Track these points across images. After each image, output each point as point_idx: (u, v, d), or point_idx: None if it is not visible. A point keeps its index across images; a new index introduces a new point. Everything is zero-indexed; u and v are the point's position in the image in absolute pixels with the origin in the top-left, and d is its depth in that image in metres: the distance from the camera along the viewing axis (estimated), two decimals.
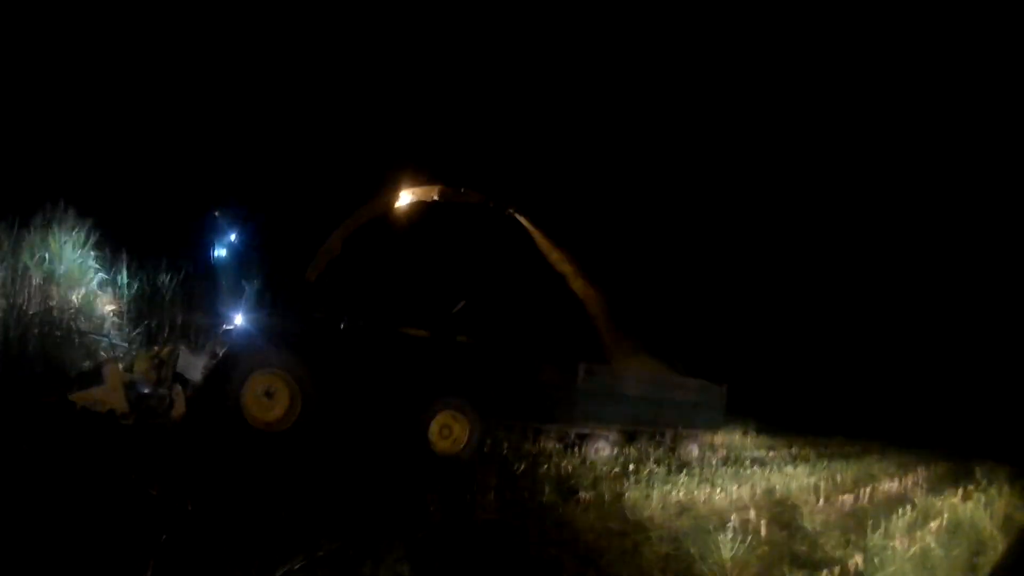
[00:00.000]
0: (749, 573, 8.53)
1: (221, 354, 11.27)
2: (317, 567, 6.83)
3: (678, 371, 17.64)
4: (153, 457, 8.83)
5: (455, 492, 9.26)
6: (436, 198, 14.60)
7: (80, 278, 13.60)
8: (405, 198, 14.60)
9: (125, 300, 14.52)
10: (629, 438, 15.84)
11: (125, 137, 17.34)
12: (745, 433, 20.25)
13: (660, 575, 8.38)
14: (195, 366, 11.21)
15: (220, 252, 13.05)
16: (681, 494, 10.75)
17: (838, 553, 9.59)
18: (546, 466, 11.85)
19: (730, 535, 8.81)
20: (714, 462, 14.12)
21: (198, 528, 6.99)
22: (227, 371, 10.70)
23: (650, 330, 19.68)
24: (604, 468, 12.37)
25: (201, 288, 14.63)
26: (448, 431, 12.37)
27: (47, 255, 12.91)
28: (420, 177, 15.04)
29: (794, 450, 18.75)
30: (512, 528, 8.72)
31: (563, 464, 12.19)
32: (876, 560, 8.95)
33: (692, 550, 8.87)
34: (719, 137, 40.76)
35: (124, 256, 14.70)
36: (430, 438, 12.13)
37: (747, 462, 14.74)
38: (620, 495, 10.31)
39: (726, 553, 8.57)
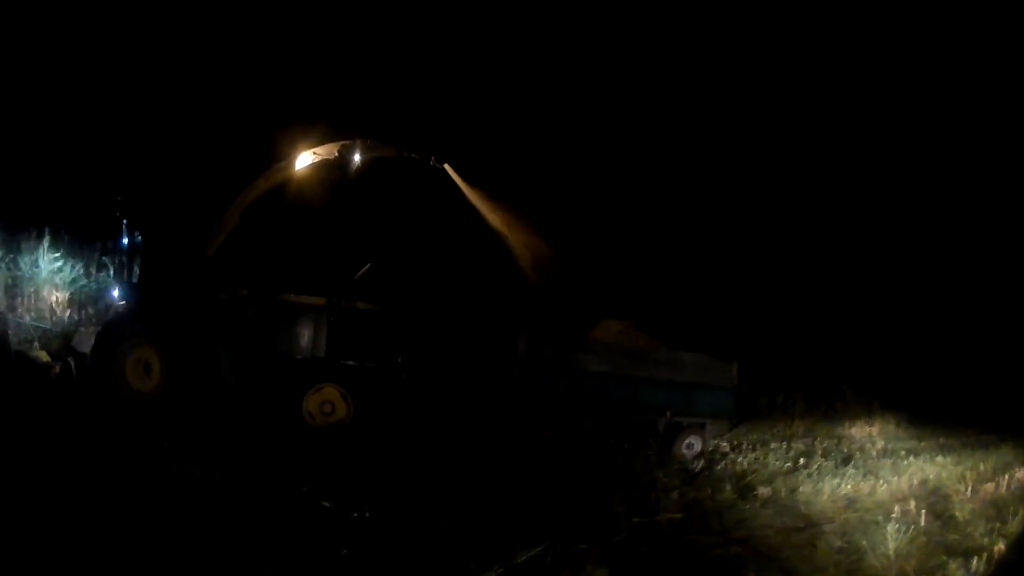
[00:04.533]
0: (911, 564, 9.73)
1: (99, 328, 13.26)
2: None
3: (666, 343, 15.74)
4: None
5: (638, 493, 10.30)
6: (339, 154, 14.29)
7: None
8: (305, 159, 14.54)
9: (63, 289, 15.49)
10: (612, 428, 14.37)
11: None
12: (898, 424, 21.10)
13: (834, 569, 9.53)
14: (89, 342, 13.07)
15: (125, 234, 14.22)
16: (849, 487, 12.26)
17: (985, 541, 10.95)
18: (722, 464, 13.32)
19: (894, 527, 10.00)
20: (874, 454, 15.88)
21: (377, 539, 7.89)
22: (99, 342, 12.62)
23: (635, 296, 17.47)
24: (777, 464, 13.51)
25: (119, 269, 15.00)
26: (330, 407, 12.64)
27: None
28: (320, 135, 14.53)
29: (941, 440, 21.17)
30: (696, 527, 9.87)
31: (739, 461, 13.53)
32: (1016, 547, 10.64)
33: (863, 543, 10.06)
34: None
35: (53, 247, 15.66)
36: (305, 413, 12.52)
37: (902, 452, 16.48)
38: (794, 490, 11.82)
39: (891, 545, 9.80)
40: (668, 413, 14.46)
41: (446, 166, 14.57)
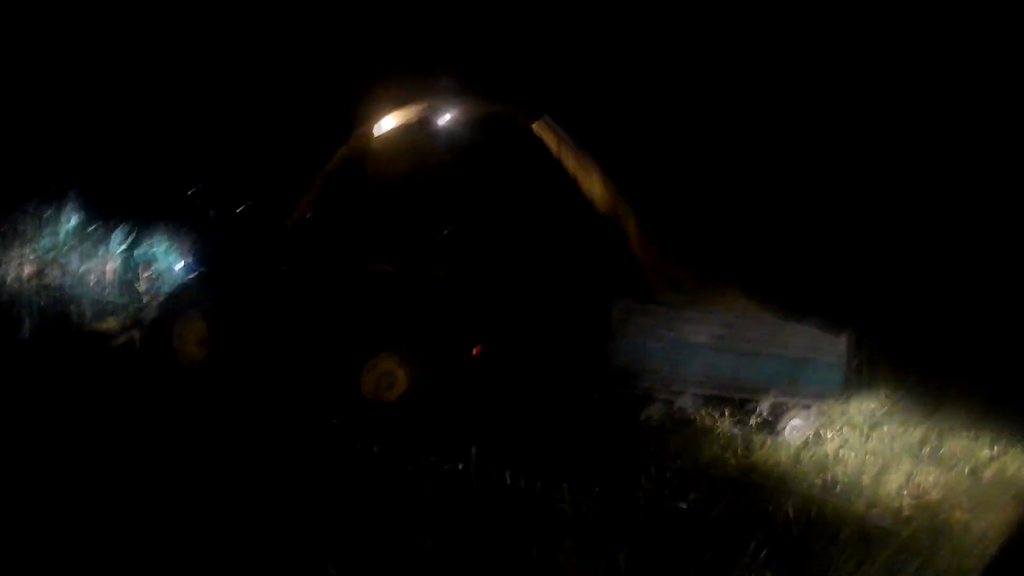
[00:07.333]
0: None
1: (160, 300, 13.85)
2: None
3: (776, 312, 13.60)
4: None
5: None
6: (421, 117, 13.76)
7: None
8: (387, 124, 13.81)
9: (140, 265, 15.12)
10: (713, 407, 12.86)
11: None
12: None
13: None
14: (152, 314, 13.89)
15: (198, 210, 14.36)
16: None
17: None
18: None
19: None
20: None
21: None
22: (156, 316, 13.15)
23: (743, 257, 15.25)
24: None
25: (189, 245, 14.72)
26: (389, 379, 11.85)
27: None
28: (402, 97, 13.79)
29: None
30: None
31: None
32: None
33: None
34: None
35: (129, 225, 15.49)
36: (363, 386, 11.77)
37: None
38: None
39: None
40: (775, 392, 12.73)
41: (535, 124, 13.79)
